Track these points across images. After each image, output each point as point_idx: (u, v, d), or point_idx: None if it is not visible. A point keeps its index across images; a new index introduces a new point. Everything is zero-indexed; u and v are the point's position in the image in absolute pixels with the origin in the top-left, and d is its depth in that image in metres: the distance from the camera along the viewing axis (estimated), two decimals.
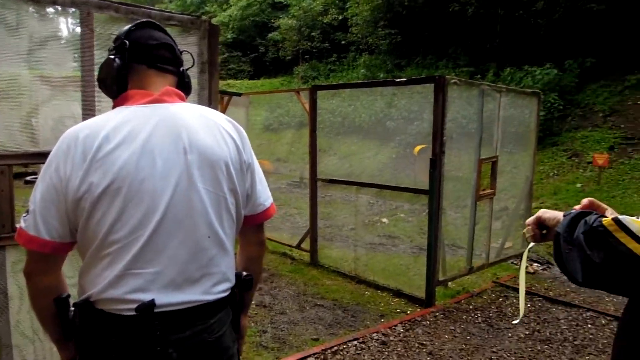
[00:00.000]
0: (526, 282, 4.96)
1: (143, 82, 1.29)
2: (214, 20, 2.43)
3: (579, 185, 9.33)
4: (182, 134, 1.22)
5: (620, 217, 0.97)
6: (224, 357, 1.29)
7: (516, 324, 3.93)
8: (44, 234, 1.16)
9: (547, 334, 3.83)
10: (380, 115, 13.00)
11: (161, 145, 1.19)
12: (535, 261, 5.67)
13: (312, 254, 5.58)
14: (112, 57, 1.29)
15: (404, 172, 11.03)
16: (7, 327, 2.01)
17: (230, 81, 20.87)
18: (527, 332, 3.85)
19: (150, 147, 1.17)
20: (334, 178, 5.86)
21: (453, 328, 3.89)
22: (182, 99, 1.33)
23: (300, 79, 20.21)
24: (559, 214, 1.17)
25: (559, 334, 3.83)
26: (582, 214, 1.06)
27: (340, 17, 19.38)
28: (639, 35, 10.50)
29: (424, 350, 3.52)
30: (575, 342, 3.68)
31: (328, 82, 17.31)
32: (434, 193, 4.23)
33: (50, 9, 2.20)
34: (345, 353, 3.44)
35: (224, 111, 6.29)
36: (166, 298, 1.17)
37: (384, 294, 4.65)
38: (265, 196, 1.41)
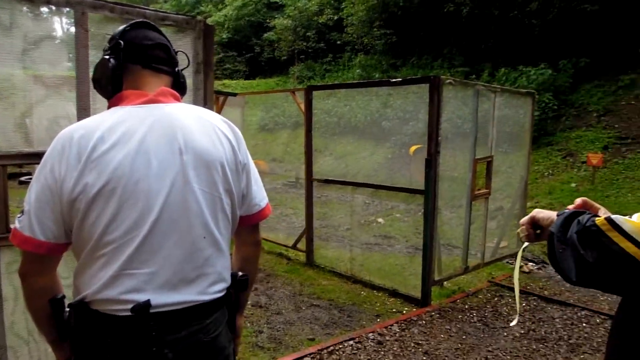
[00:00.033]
0: (521, 282, 4.98)
1: (138, 82, 1.29)
2: (209, 20, 2.43)
3: (573, 184, 9.37)
4: (178, 134, 1.21)
5: (613, 216, 0.97)
6: (220, 357, 1.29)
7: (513, 325, 3.94)
8: (38, 234, 1.15)
9: (542, 332, 3.85)
10: (375, 115, 13.02)
11: (156, 145, 1.18)
12: (531, 260, 5.70)
13: (308, 254, 5.59)
14: (107, 57, 1.28)
15: (400, 172, 11.05)
16: (1, 328, 2.00)
17: (226, 81, 20.83)
18: (523, 331, 3.86)
19: (145, 148, 1.17)
20: (330, 178, 5.86)
21: (449, 327, 3.91)
22: (177, 100, 1.33)
23: (295, 79, 20.20)
24: (552, 214, 1.17)
25: (554, 332, 3.85)
26: (575, 214, 1.07)
27: (336, 17, 19.38)
28: (632, 35, 10.56)
29: (420, 349, 3.53)
30: (570, 341, 3.70)
31: (324, 82, 17.31)
32: (429, 193, 4.24)
33: (44, 9, 2.18)
34: (341, 353, 3.45)
35: (219, 111, 6.28)
36: (162, 298, 1.17)
37: (379, 294, 4.65)
38: (260, 196, 1.41)
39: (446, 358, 3.43)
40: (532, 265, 5.56)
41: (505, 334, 3.82)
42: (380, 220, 7.73)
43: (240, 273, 1.41)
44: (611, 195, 8.59)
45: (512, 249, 5.51)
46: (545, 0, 12.07)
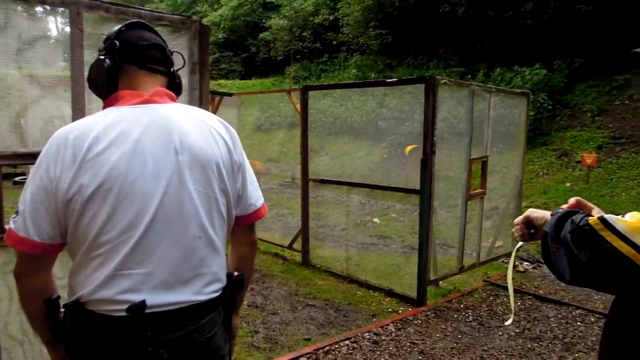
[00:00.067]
0: (517, 281, 5.01)
1: (133, 82, 1.28)
2: (204, 20, 2.43)
3: (568, 184, 9.42)
4: (173, 134, 1.21)
5: (606, 216, 0.98)
6: (216, 358, 1.29)
7: (508, 324, 3.96)
8: (33, 235, 1.15)
9: (537, 332, 3.86)
10: (371, 115, 13.04)
11: (152, 146, 1.18)
12: (526, 260, 5.72)
13: (303, 254, 5.59)
14: (102, 57, 1.28)
15: (396, 172, 11.06)
16: None
17: (222, 81, 20.79)
18: (518, 331, 3.88)
19: (141, 148, 1.17)
20: (326, 178, 5.86)
21: (444, 327, 3.92)
22: (173, 100, 1.33)
23: (291, 79, 20.20)
24: (546, 214, 1.18)
25: (548, 331, 3.87)
26: (569, 213, 1.08)
27: (332, 18, 19.39)
28: (626, 35, 10.61)
29: (416, 349, 3.54)
30: (565, 340, 3.72)
31: (319, 83, 17.33)
32: (425, 193, 4.25)
33: (39, 8, 2.18)
34: (337, 353, 3.45)
35: (215, 111, 6.27)
36: (157, 298, 1.17)
37: (375, 294, 4.66)
38: (256, 197, 1.42)
39: (442, 357, 3.44)
40: (527, 265, 5.58)
41: (500, 333, 3.84)
42: (376, 220, 7.74)
43: (235, 273, 1.41)
44: (605, 195, 8.63)
45: (508, 249, 5.53)
46: (540, 1, 12.12)
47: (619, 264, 0.93)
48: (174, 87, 1.38)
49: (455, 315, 4.15)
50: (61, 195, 1.13)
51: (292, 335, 3.75)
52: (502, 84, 11.43)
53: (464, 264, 4.87)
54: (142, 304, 1.14)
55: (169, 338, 1.18)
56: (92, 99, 1.97)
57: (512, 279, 1.43)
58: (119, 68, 1.28)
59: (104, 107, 1.29)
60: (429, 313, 4.18)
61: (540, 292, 4.74)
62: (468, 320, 4.08)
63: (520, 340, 3.71)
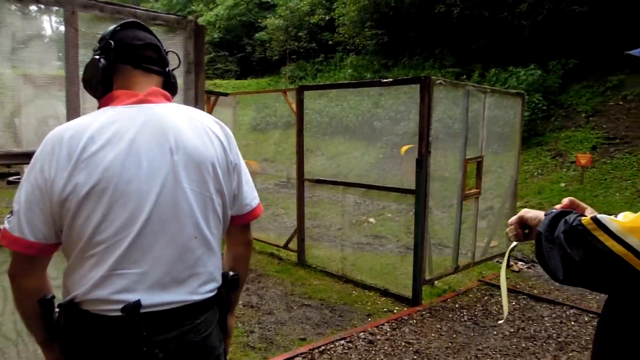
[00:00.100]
0: (511, 281, 5.03)
1: (128, 82, 1.28)
2: (200, 20, 2.43)
3: (562, 184, 9.47)
4: (168, 134, 1.21)
5: (599, 216, 0.99)
6: (211, 357, 1.30)
7: (501, 323, 3.98)
8: (28, 235, 1.15)
9: (532, 331, 3.88)
10: (367, 115, 13.05)
11: (147, 145, 1.18)
12: (520, 260, 5.75)
13: (299, 254, 5.59)
14: (97, 57, 1.28)
15: (391, 172, 11.09)
16: None
17: (217, 81, 20.76)
18: (512, 330, 3.90)
19: (136, 148, 1.17)
20: (321, 178, 5.87)
21: (439, 326, 3.93)
22: (168, 100, 1.33)
23: (287, 79, 20.19)
24: (540, 214, 1.19)
25: (543, 331, 3.89)
26: (562, 213, 1.09)
27: (327, 18, 19.40)
28: (620, 36, 10.68)
29: (411, 349, 3.55)
30: (559, 339, 3.74)
31: (315, 82, 17.33)
32: (420, 193, 4.26)
33: (33, 7, 2.17)
34: (332, 352, 3.45)
35: (210, 111, 6.26)
36: (152, 298, 1.17)
37: (371, 294, 4.67)
38: (251, 196, 1.42)
39: (437, 357, 3.45)
40: (521, 265, 5.61)
41: (495, 332, 3.85)
42: (371, 220, 7.75)
43: (231, 273, 1.41)
44: (599, 195, 8.69)
45: (502, 249, 5.55)
46: (534, 2, 12.18)
47: (611, 264, 0.94)
48: (169, 87, 1.38)
49: (450, 315, 4.17)
50: (56, 195, 1.13)
51: (287, 335, 3.75)
52: (497, 85, 11.48)
53: (459, 264, 4.89)
54: (137, 304, 1.14)
55: (164, 338, 1.18)
56: (87, 99, 1.96)
57: (507, 278, 1.44)
58: (114, 68, 1.27)
59: (99, 107, 1.28)
60: (424, 313, 4.19)
61: (535, 291, 4.77)
62: (463, 319, 4.09)
63: (515, 340, 3.73)
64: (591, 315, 4.16)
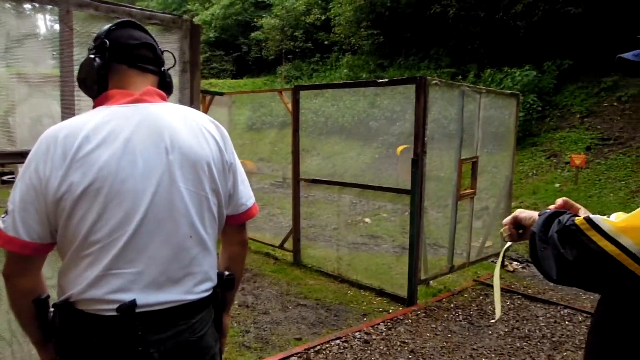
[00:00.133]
0: (506, 281, 5.05)
1: (124, 81, 1.28)
2: (196, 19, 2.42)
3: (557, 185, 9.51)
4: (164, 134, 1.21)
5: (592, 216, 1.00)
6: (206, 357, 1.30)
7: (493, 322, 3.99)
8: (23, 235, 1.14)
9: (526, 331, 3.90)
10: (363, 115, 13.06)
11: (142, 145, 1.18)
12: (515, 260, 5.77)
13: (295, 253, 5.59)
14: (92, 56, 1.28)
15: (387, 172, 11.10)
16: None
17: (213, 80, 20.73)
18: (507, 330, 3.91)
19: (131, 147, 1.17)
20: (317, 178, 5.87)
21: (434, 326, 3.94)
22: (164, 99, 1.33)
23: (283, 78, 20.19)
24: (534, 214, 1.20)
25: (537, 331, 3.91)
26: (556, 214, 1.10)
27: (323, 17, 19.40)
28: (614, 38, 10.74)
29: (406, 348, 3.56)
30: (553, 339, 3.76)
31: (311, 82, 17.33)
32: (415, 193, 4.27)
33: (27, 6, 2.16)
34: (328, 352, 3.46)
35: (206, 111, 6.25)
36: (148, 298, 1.17)
37: (366, 293, 4.68)
38: (247, 196, 1.42)
39: (432, 356, 3.46)
40: (516, 265, 5.63)
41: (489, 332, 3.87)
42: (367, 220, 7.76)
43: (226, 272, 1.41)
44: (594, 195, 8.74)
45: (497, 249, 5.57)
46: (530, 3, 12.22)
47: (604, 263, 0.95)
48: (165, 86, 1.38)
49: (445, 315, 4.18)
50: (51, 195, 1.13)
51: (283, 335, 3.76)
52: (493, 85, 11.51)
53: (454, 264, 4.91)
54: (133, 304, 1.14)
55: (160, 337, 1.18)
56: (82, 98, 1.95)
57: (502, 278, 1.45)
58: (109, 67, 1.27)
59: (94, 107, 1.28)
60: (419, 312, 4.20)
61: (529, 291, 4.79)
62: (458, 319, 4.10)
63: (509, 339, 3.75)
64: (585, 314, 4.18)
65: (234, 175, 1.36)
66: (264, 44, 21.86)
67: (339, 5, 18.11)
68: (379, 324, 3.92)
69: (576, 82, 11.86)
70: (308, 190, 5.91)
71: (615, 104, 10.81)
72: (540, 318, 4.15)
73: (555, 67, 11.87)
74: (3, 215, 1.17)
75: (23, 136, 2.11)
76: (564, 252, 0.99)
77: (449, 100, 4.88)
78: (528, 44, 12.63)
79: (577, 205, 1.22)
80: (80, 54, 1.95)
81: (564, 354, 3.53)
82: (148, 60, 1.32)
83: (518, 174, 9.79)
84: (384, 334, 3.77)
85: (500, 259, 1.47)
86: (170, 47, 2.19)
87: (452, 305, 4.40)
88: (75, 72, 1.37)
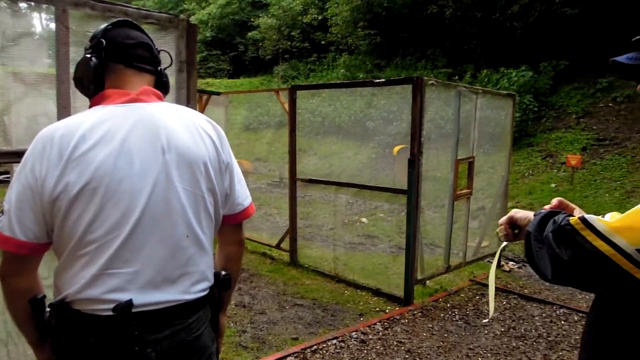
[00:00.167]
0: (502, 280, 5.06)
1: (120, 81, 1.28)
2: (192, 18, 2.42)
3: (553, 185, 9.54)
4: (161, 133, 1.21)
5: (587, 216, 1.00)
6: (203, 356, 1.30)
7: (486, 322, 4.00)
8: (19, 234, 1.14)
9: (522, 330, 3.91)
10: (359, 115, 13.07)
11: (139, 144, 1.18)
12: (511, 260, 5.79)
13: (291, 253, 5.59)
14: (88, 56, 1.27)
15: (383, 172, 11.11)
16: None
17: (210, 80, 20.69)
18: (503, 329, 3.92)
19: (128, 147, 1.17)
20: (314, 178, 5.87)
21: (431, 326, 3.95)
22: (160, 99, 1.33)
23: (280, 78, 20.17)
24: (529, 214, 1.21)
25: (533, 330, 3.92)
26: (551, 214, 1.10)
27: (320, 17, 19.40)
28: (610, 38, 10.79)
29: (403, 348, 3.56)
30: (549, 339, 3.77)
31: (308, 82, 17.33)
32: (412, 193, 4.28)
33: (23, 4, 2.15)
34: (324, 352, 3.46)
35: (202, 110, 6.24)
36: (144, 298, 1.16)
37: (363, 293, 4.68)
38: (244, 196, 1.42)
39: (428, 356, 3.46)
40: (512, 264, 5.65)
41: (486, 331, 3.88)
42: (363, 220, 7.77)
43: (223, 272, 1.41)
44: (589, 196, 8.77)
45: (493, 249, 5.58)
46: (526, 4, 12.26)
47: (598, 263, 0.96)
48: (161, 85, 1.38)
49: (442, 314, 4.19)
50: (47, 195, 1.12)
51: (279, 335, 3.75)
52: (489, 86, 11.55)
53: (451, 264, 4.92)
54: (129, 303, 1.14)
55: (156, 337, 1.17)
56: (78, 97, 1.94)
57: (498, 278, 1.45)
58: (105, 67, 1.27)
59: (91, 106, 1.28)
60: (415, 312, 4.21)
61: (525, 291, 4.81)
62: (454, 319, 4.11)
63: (506, 339, 3.76)
64: (581, 314, 4.20)
65: (231, 175, 1.36)
66: (260, 44, 21.84)
67: (335, 5, 18.11)
68: (375, 324, 3.93)
69: (572, 82, 11.91)
70: (305, 190, 5.91)
71: (610, 104, 10.85)
72: (536, 318, 4.17)
73: (551, 68, 11.91)
74: None
75: (19, 135, 2.11)
76: (559, 251, 1.00)
77: (445, 101, 4.89)
78: (524, 44, 12.67)
79: (572, 205, 1.23)
80: (76, 53, 1.95)
81: (560, 353, 3.55)
82: (145, 59, 1.32)
83: (514, 174, 9.82)
84: (380, 333, 3.78)
85: (496, 258, 1.48)
86: (166, 46, 2.18)
87: (448, 305, 4.41)
88: (72, 71, 1.36)
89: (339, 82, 14.29)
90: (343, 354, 3.44)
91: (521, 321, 4.09)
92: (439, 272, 4.87)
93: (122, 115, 1.21)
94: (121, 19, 1.37)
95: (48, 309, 1.22)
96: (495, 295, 4.62)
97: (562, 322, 4.08)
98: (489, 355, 3.50)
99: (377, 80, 4.80)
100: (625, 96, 10.65)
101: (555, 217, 1.06)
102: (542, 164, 10.40)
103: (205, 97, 6.78)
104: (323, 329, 3.89)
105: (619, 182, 8.91)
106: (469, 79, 13.06)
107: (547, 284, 4.83)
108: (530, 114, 11.30)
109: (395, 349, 3.55)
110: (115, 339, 1.15)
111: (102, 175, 1.13)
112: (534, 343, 3.70)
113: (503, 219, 1.29)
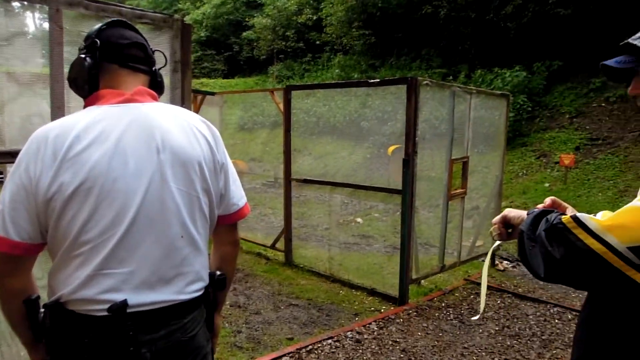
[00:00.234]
0: (496, 279, 5.09)
1: (114, 81, 1.28)
2: (187, 18, 2.42)
3: (546, 184, 9.60)
4: (155, 133, 1.21)
5: (579, 214, 1.01)
6: (198, 356, 1.30)
7: (476, 319, 4.02)
8: (13, 235, 1.13)
9: (516, 329, 3.93)
10: (354, 115, 13.08)
11: (134, 144, 1.18)
12: (505, 259, 5.81)
13: (286, 253, 5.59)
14: (82, 56, 1.27)
15: (378, 172, 11.13)
16: None
17: (204, 80, 20.63)
18: (497, 328, 3.94)
19: (122, 147, 1.17)
20: (309, 178, 5.87)
21: (426, 325, 3.96)
22: (155, 99, 1.33)
23: (274, 78, 20.15)
24: (523, 213, 1.22)
25: (527, 329, 3.94)
26: (544, 213, 1.11)
27: (315, 17, 19.39)
28: (603, 39, 10.86)
29: (398, 347, 3.57)
30: (543, 337, 3.80)
31: (302, 82, 17.32)
32: (407, 193, 4.29)
33: (16, 4, 2.14)
34: (319, 352, 3.46)
35: (197, 110, 6.23)
36: (139, 298, 1.16)
37: (358, 293, 4.69)
38: (238, 196, 1.42)
39: (423, 355, 3.48)
40: (506, 264, 5.67)
41: (480, 330, 3.90)
42: (358, 219, 7.78)
43: (218, 272, 1.41)
44: (583, 195, 8.82)
45: (488, 248, 5.58)
46: (520, 4, 12.31)
47: (590, 261, 0.97)
48: (156, 86, 1.38)
49: (437, 314, 4.20)
50: (41, 195, 1.12)
51: (274, 335, 3.75)
52: (483, 86, 11.59)
53: (445, 263, 4.93)
54: (124, 304, 1.14)
55: (151, 337, 1.17)
56: (72, 97, 1.94)
57: (492, 277, 1.46)
58: (99, 67, 1.27)
59: (85, 106, 1.28)
60: (410, 312, 4.22)
61: (519, 290, 4.83)
62: (449, 318, 4.13)
63: (500, 338, 3.78)
64: (574, 313, 4.23)
65: (226, 175, 1.36)
66: (255, 44, 21.81)
67: (330, 5, 18.11)
68: (370, 324, 3.94)
69: (565, 82, 11.97)
70: (299, 190, 5.91)
71: (603, 104, 10.92)
72: (530, 316, 4.19)
73: (544, 68, 11.97)
74: None
75: (12, 136, 2.10)
76: (552, 250, 1.01)
77: (439, 101, 4.91)
78: (518, 45, 12.73)
79: (565, 204, 1.24)
80: (70, 53, 1.94)
81: (554, 351, 3.57)
82: (139, 59, 1.32)
83: (508, 173, 9.86)
84: (375, 333, 3.79)
85: (489, 256, 1.49)
86: (161, 46, 2.18)
87: (443, 304, 4.43)
88: (65, 71, 1.36)
89: (333, 82, 14.30)
90: (338, 354, 3.44)
91: (515, 320, 4.11)
92: (434, 272, 4.89)
93: (117, 115, 1.21)
94: (115, 18, 1.37)
95: (42, 310, 1.21)
96: (488, 293, 4.64)
97: (556, 321, 4.10)
98: (483, 354, 3.52)
99: (372, 81, 4.81)
100: (618, 96, 10.73)
101: (548, 216, 1.07)
102: (536, 164, 10.46)
103: (199, 97, 6.76)
104: (318, 328, 3.90)
105: (611, 182, 8.97)
106: (463, 79, 13.10)
107: (541, 282, 4.86)
108: (524, 114, 11.36)
109: (390, 348, 3.56)
110: (110, 339, 1.15)
111: (97, 175, 1.13)
112: (528, 342, 3.72)
113: (497, 218, 1.30)
